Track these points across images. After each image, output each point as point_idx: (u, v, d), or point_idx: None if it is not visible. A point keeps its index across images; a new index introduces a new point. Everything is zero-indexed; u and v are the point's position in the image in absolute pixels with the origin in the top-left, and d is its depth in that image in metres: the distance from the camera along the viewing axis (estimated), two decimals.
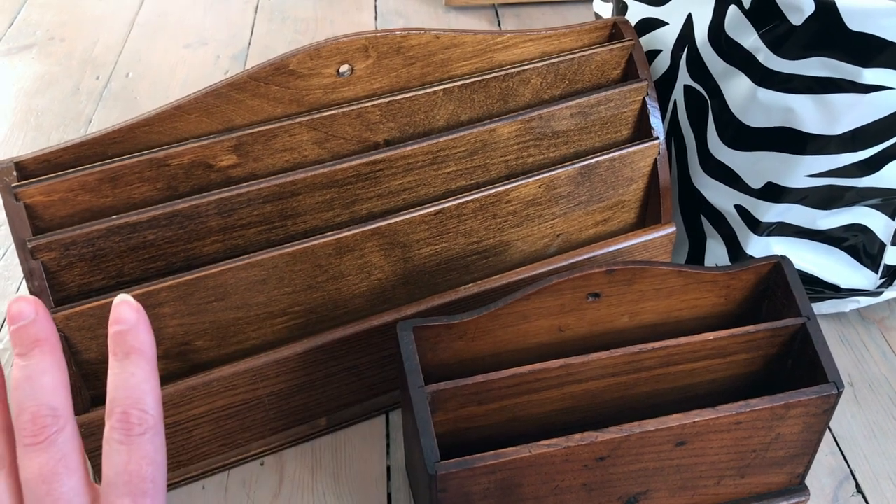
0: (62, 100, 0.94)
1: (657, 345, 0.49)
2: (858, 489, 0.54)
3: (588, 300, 0.51)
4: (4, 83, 0.96)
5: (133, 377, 0.31)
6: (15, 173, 0.48)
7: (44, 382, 0.31)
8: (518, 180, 0.57)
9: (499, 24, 1.05)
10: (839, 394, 0.48)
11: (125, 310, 0.32)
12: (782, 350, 0.51)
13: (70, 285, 0.50)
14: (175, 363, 0.53)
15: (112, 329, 0.32)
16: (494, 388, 0.48)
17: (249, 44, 1.03)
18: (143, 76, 0.98)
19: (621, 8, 0.65)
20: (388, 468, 0.57)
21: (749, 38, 0.55)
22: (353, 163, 0.54)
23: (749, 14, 0.54)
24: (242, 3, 1.11)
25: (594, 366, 0.49)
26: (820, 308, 0.65)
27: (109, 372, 0.32)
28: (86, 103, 0.93)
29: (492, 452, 0.45)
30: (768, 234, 0.62)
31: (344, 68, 0.54)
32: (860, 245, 0.64)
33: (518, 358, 0.52)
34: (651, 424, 0.46)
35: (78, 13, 1.09)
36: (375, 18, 1.07)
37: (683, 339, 0.49)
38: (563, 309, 0.51)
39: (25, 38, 1.05)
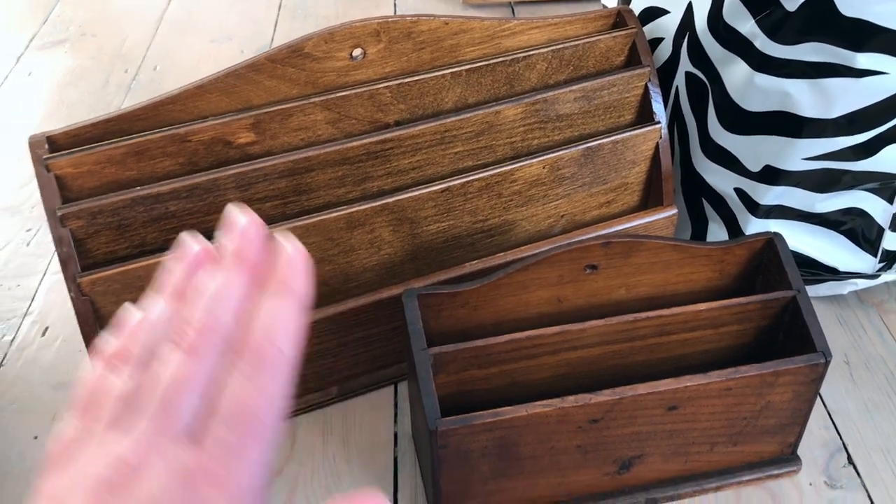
0: (93, 91, 0.98)
1: (651, 314, 0.51)
2: (850, 461, 0.56)
3: (586, 272, 0.53)
4: (39, 76, 1.00)
5: (276, 311, 0.26)
6: (47, 146, 0.52)
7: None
8: (523, 161, 0.59)
9: None
10: (827, 363, 0.50)
11: (290, 248, 0.27)
12: (773, 322, 0.53)
13: (96, 252, 0.53)
14: None
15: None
16: (494, 353, 0.50)
17: (272, 40, 1.07)
18: (169, 69, 1.01)
19: None
20: (395, 434, 0.59)
21: (746, 25, 0.57)
22: (365, 141, 0.56)
23: (746, 1, 0.57)
24: (266, 1, 1.15)
25: (590, 333, 0.51)
26: (818, 290, 0.67)
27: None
28: (115, 94, 0.97)
29: (490, 411, 0.47)
30: (768, 217, 0.64)
31: (357, 52, 0.57)
32: (859, 229, 0.65)
33: (519, 327, 0.54)
34: (643, 388, 0.48)
35: (109, 10, 1.13)
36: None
37: (677, 309, 0.51)
38: (561, 280, 0.53)
39: (59, 33, 1.09)
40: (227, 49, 1.05)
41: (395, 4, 1.13)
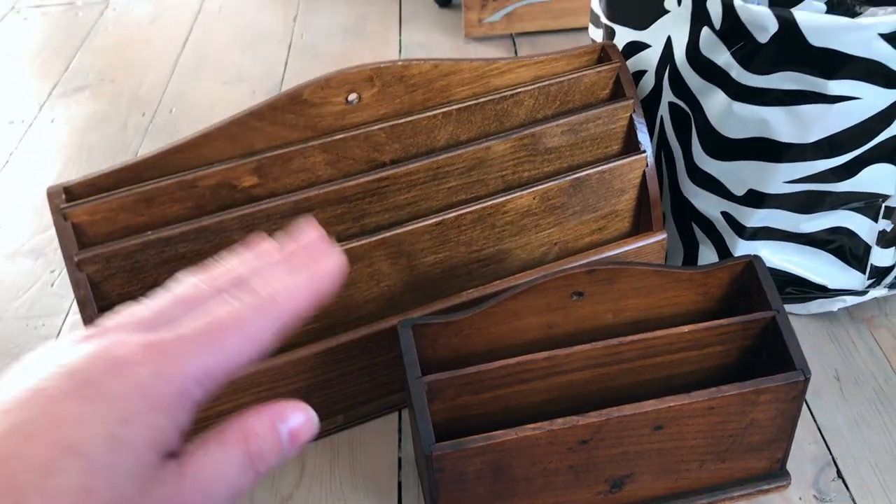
0: (112, 135, 1.02)
1: (636, 337, 0.53)
2: (839, 475, 0.58)
3: (573, 298, 0.55)
4: (60, 122, 1.05)
5: (291, 280, 0.28)
6: (63, 196, 0.55)
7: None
8: (513, 192, 0.62)
9: (515, 53, 1.11)
10: (806, 380, 0.52)
11: (332, 252, 0.30)
12: (755, 342, 0.55)
13: (112, 295, 0.56)
14: None
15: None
16: (486, 379, 0.53)
17: (282, 79, 1.11)
18: (185, 112, 1.06)
19: (610, 33, 0.70)
20: (400, 460, 0.62)
21: (722, 57, 0.60)
22: (361, 180, 0.59)
23: (720, 34, 0.59)
24: (277, 42, 1.19)
25: (577, 357, 0.53)
26: (809, 308, 0.69)
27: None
28: (133, 137, 1.01)
29: (482, 435, 0.49)
30: (754, 239, 0.66)
31: (352, 96, 0.60)
32: (846, 247, 0.67)
33: (512, 353, 0.56)
34: (628, 409, 0.50)
35: (127, 56, 1.19)
36: (399, 52, 1.14)
37: (660, 332, 0.53)
38: (549, 307, 0.55)
39: (80, 80, 1.14)
40: (239, 90, 1.09)
41: (399, 41, 1.16)
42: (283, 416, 0.27)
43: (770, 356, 0.55)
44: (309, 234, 0.30)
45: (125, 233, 0.57)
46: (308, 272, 0.29)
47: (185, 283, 0.28)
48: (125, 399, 0.24)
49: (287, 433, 0.27)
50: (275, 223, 0.58)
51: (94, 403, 0.24)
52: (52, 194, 0.55)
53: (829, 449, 0.59)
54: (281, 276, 0.28)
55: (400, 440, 0.63)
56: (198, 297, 0.28)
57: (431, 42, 1.15)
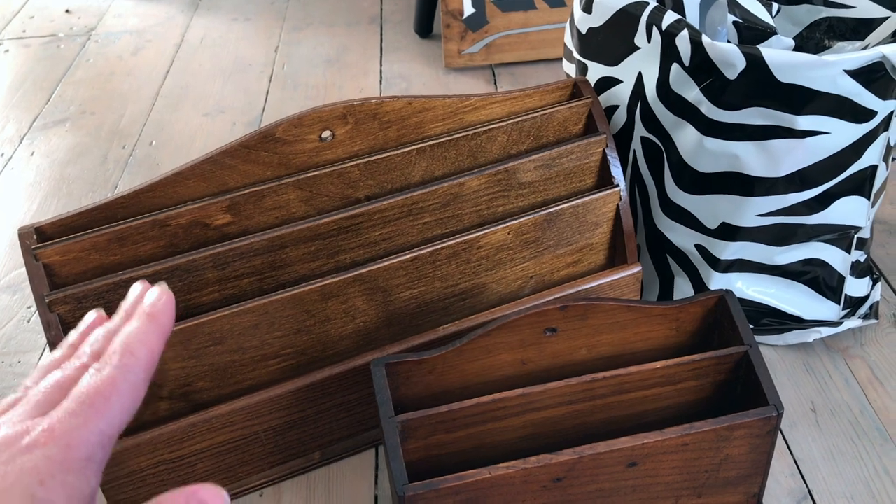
0: (92, 168, 1.02)
1: (608, 374, 0.53)
2: None
3: (546, 335, 0.56)
4: (40, 155, 1.05)
5: (132, 328, 0.32)
6: (35, 237, 0.55)
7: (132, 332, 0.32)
8: (487, 227, 0.62)
9: (495, 84, 1.12)
10: (780, 416, 0.52)
11: (153, 290, 0.34)
12: (729, 377, 0.55)
13: None
14: (179, 403, 0.59)
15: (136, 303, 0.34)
16: (459, 417, 0.52)
17: (263, 110, 1.11)
18: (165, 144, 1.06)
19: (582, 68, 0.71)
20: (376, 497, 0.61)
21: (692, 93, 0.60)
22: (336, 217, 0.59)
23: (689, 71, 0.60)
24: (258, 73, 1.20)
25: (551, 394, 0.53)
26: (786, 339, 0.69)
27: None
28: (113, 170, 1.01)
29: (455, 475, 0.49)
30: (729, 271, 0.67)
31: (325, 134, 0.61)
32: (820, 278, 0.67)
33: (486, 390, 0.57)
34: (601, 447, 0.50)
35: (108, 88, 1.19)
36: (380, 82, 1.15)
37: (633, 368, 0.53)
38: (523, 343, 0.55)
39: (60, 112, 1.14)
40: (220, 122, 1.09)
41: (380, 72, 1.17)
42: (194, 493, 0.30)
43: (745, 391, 0.55)
44: (133, 290, 0.35)
45: (97, 272, 0.57)
46: (146, 315, 0.33)
47: (53, 369, 0.32)
48: (38, 469, 0.27)
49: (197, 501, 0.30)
50: (247, 261, 0.58)
51: (12, 477, 0.27)
52: (23, 235, 0.55)
53: (805, 482, 0.59)
54: (126, 330, 0.33)
55: (377, 477, 0.63)
56: (69, 377, 0.31)
57: (412, 73, 1.16)
